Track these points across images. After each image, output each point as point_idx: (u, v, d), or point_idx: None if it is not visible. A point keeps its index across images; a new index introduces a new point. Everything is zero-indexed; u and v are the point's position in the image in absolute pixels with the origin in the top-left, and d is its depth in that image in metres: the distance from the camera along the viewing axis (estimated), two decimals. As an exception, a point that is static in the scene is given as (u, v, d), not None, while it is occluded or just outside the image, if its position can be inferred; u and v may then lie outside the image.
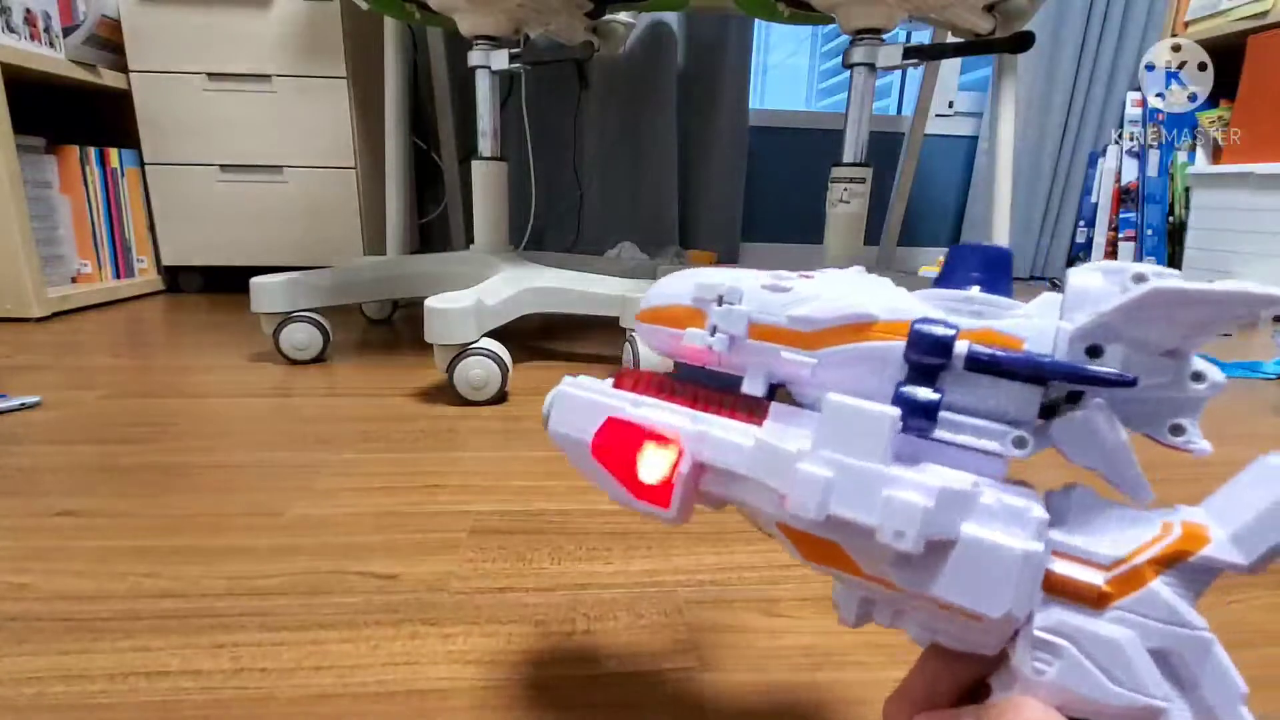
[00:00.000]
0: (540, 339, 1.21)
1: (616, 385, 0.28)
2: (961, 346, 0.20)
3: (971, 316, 0.21)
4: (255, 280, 0.96)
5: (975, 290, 0.21)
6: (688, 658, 0.38)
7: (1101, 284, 0.19)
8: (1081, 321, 0.19)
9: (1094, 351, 0.19)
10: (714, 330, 0.25)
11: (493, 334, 0.85)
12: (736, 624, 0.41)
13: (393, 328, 1.28)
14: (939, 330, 0.20)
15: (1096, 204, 2.02)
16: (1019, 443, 0.20)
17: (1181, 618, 0.17)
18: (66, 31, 1.30)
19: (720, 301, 0.25)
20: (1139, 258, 1.99)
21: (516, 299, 0.93)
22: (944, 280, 0.22)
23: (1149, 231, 1.96)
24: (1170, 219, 1.97)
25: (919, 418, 0.20)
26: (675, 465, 0.24)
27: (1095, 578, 0.18)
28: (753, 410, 0.25)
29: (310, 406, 0.80)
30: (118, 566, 0.46)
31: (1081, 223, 2.07)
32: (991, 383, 0.20)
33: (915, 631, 0.21)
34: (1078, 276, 0.20)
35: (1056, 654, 0.18)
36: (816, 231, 2.06)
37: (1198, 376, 0.18)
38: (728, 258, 1.95)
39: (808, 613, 0.42)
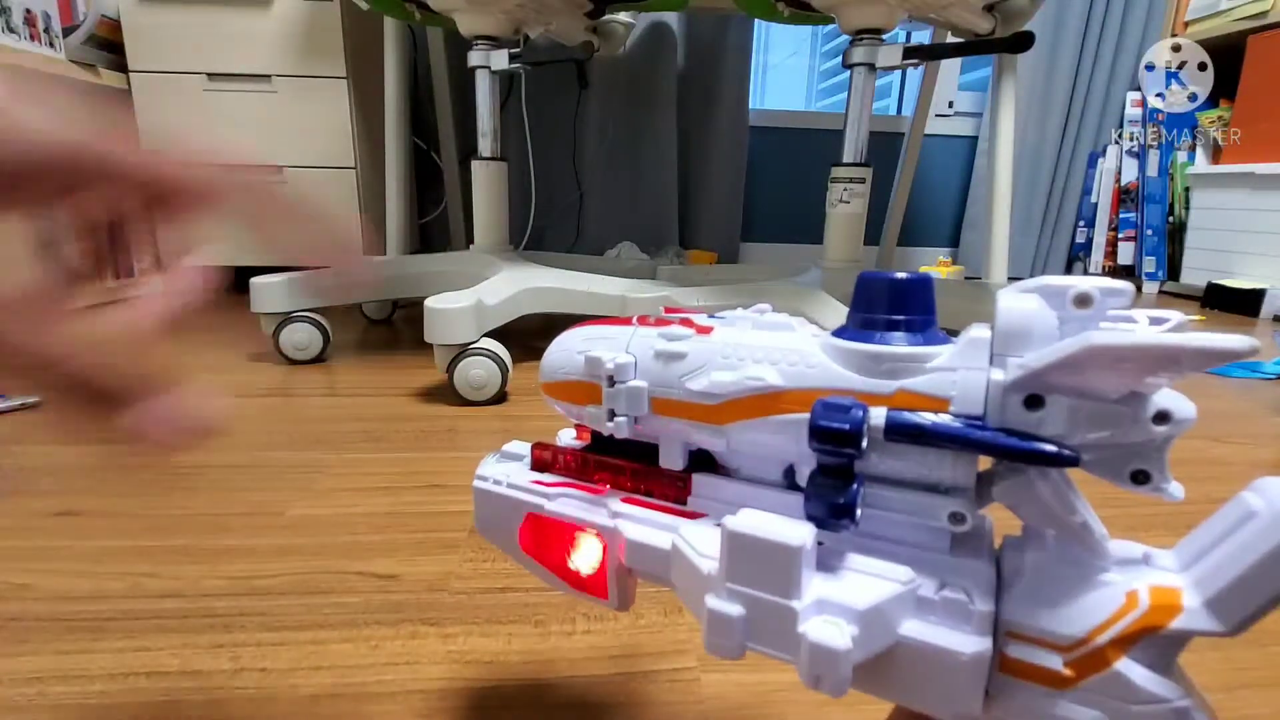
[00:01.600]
0: (540, 339, 1.20)
1: (536, 462, 0.27)
2: (878, 417, 0.18)
3: (885, 376, 0.18)
4: (255, 280, 0.96)
5: (897, 337, 0.19)
6: (688, 658, 0.38)
7: (1039, 310, 0.16)
8: (1015, 374, 0.16)
9: (1034, 402, 0.16)
10: (611, 414, 0.23)
11: (493, 334, 0.85)
12: (737, 624, 0.41)
13: (393, 328, 1.28)
14: (840, 422, 0.17)
15: (1096, 204, 2.02)
16: (956, 519, 0.18)
17: (1152, 695, 0.16)
18: (66, 31, 1.30)
19: (611, 381, 0.22)
20: (1139, 258, 1.99)
21: (516, 299, 0.93)
22: (854, 318, 0.20)
23: (1149, 231, 1.96)
24: (1170, 219, 1.97)
25: (838, 518, 0.18)
26: (605, 555, 0.23)
27: (1053, 661, 0.16)
28: (676, 482, 0.23)
29: (310, 406, 0.80)
30: (118, 566, 0.46)
31: (1081, 223, 2.07)
32: (920, 450, 0.18)
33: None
34: (1011, 302, 0.17)
35: None
36: (816, 231, 2.06)
37: (1161, 417, 0.16)
38: (728, 258, 1.95)
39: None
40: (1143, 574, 0.17)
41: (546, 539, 0.25)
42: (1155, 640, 0.16)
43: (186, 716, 0.33)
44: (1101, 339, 0.14)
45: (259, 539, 0.50)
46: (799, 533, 0.17)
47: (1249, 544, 0.15)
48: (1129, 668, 0.16)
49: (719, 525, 0.19)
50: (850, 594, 0.17)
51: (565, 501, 0.24)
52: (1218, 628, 0.15)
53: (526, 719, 0.33)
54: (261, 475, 0.60)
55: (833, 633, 0.16)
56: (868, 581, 0.18)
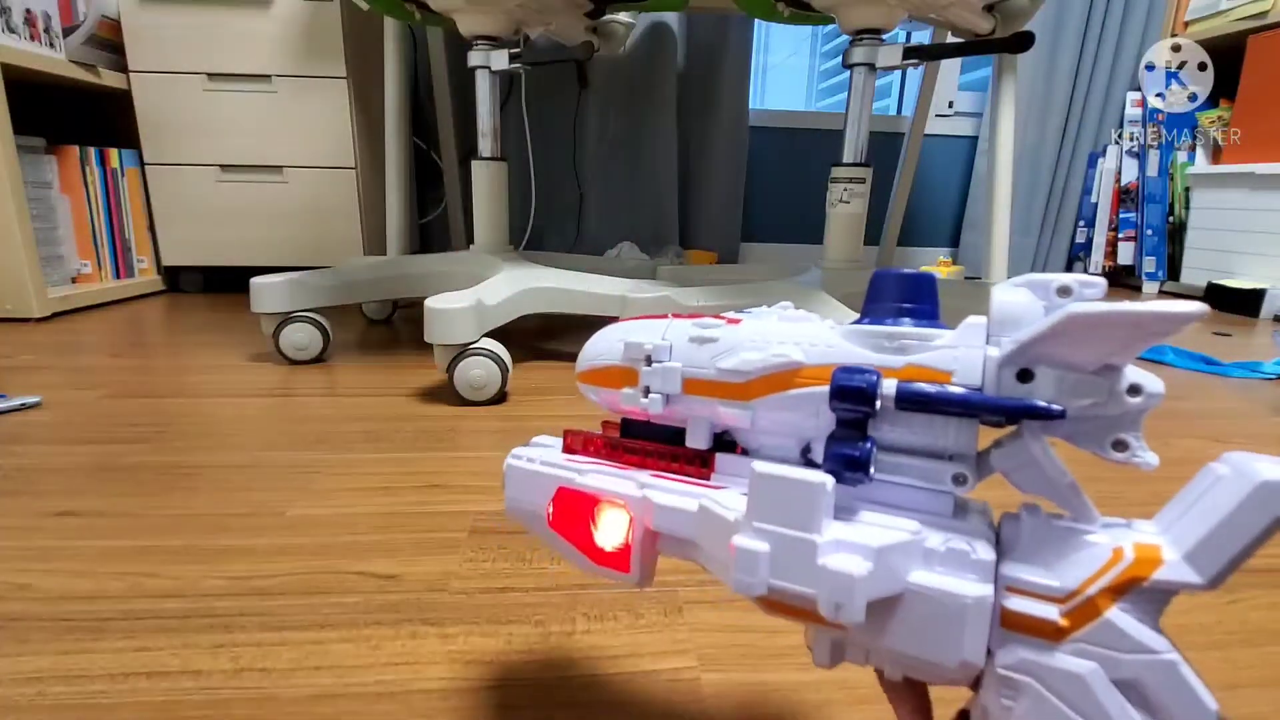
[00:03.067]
0: (540, 339, 1.21)
1: (566, 446, 0.28)
2: (889, 387, 0.20)
3: (895, 353, 0.21)
4: (255, 280, 0.96)
5: (905, 322, 0.21)
6: (688, 658, 0.38)
7: (1027, 300, 0.19)
8: (1007, 348, 0.19)
9: (1025, 375, 0.19)
10: (647, 391, 0.25)
11: (493, 334, 0.85)
12: (736, 624, 0.41)
13: (393, 328, 1.28)
14: (858, 381, 0.20)
15: (1096, 204, 2.02)
16: (959, 480, 0.20)
17: (1142, 644, 0.17)
18: (66, 31, 1.30)
19: (649, 361, 0.25)
20: (1139, 258, 1.99)
21: (516, 299, 0.93)
22: (868, 309, 0.22)
23: (1149, 231, 1.96)
24: (1170, 219, 1.97)
25: (853, 471, 0.20)
26: (630, 530, 0.24)
27: (1050, 612, 0.18)
28: (702, 462, 0.25)
29: (310, 406, 0.80)
30: (118, 566, 0.46)
31: (1081, 223, 2.07)
32: (926, 419, 0.20)
33: (889, 668, 0.21)
34: (1002, 294, 0.19)
35: (1020, 691, 0.18)
36: (816, 231, 2.06)
37: (1134, 390, 0.18)
38: (728, 258, 1.95)
39: (808, 613, 0.42)
40: (1127, 534, 0.18)
41: (574, 514, 0.26)
42: (1141, 593, 0.17)
43: (186, 716, 0.33)
44: (1080, 308, 0.16)
45: (259, 539, 0.50)
46: (820, 475, 0.19)
47: (1217, 503, 0.17)
48: (1119, 617, 0.17)
49: (742, 493, 0.21)
50: (865, 536, 0.19)
51: (596, 475, 0.26)
52: (1196, 579, 0.17)
53: (526, 719, 0.33)
54: (261, 475, 0.60)
55: (851, 562, 0.18)
56: (880, 529, 0.19)
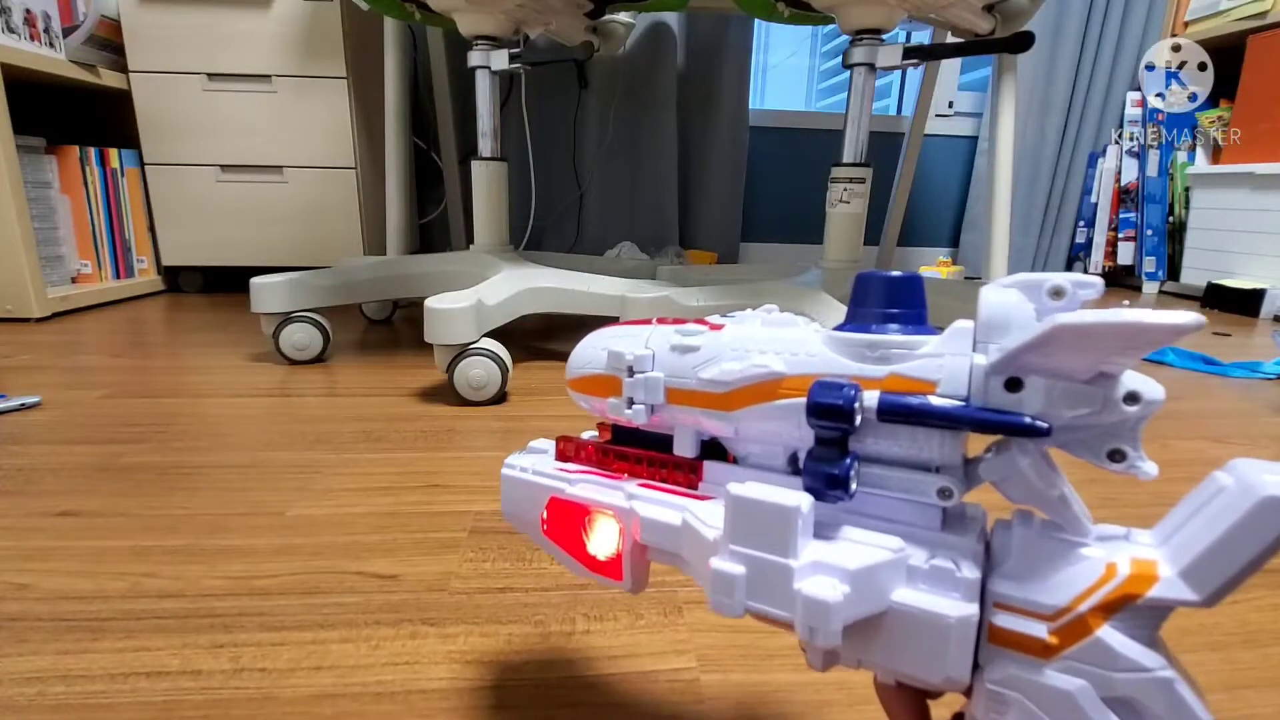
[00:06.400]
0: (540, 339, 1.21)
1: (560, 453, 0.28)
2: (871, 399, 0.19)
3: (878, 362, 0.20)
4: (255, 280, 0.96)
5: (891, 329, 0.20)
6: (688, 658, 0.38)
7: (1018, 302, 0.18)
8: (995, 356, 0.18)
9: (1013, 385, 0.18)
10: (630, 402, 0.25)
11: (493, 334, 0.85)
12: (736, 624, 0.41)
13: (393, 328, 1.28)
14: (834, 398, 0.19)
15: (1096, 204, 2.02)
16: (944, 494, 0.19)
17: (1135, 663, 0.16)
18: (66, 32, 1.30)
19: (630, 372, 0.25)
20: (1139, 258, 1.99)
21: (516, 299, 0.93)
22: (853, 313, 0.21)
23: (1149, 231, 1.96)
24: (1170, 219, 1.97)
25: (833, 489, 0.19)
26: (621, 539, 0.25)
27: (1038, 629, 0.17)
28: (691, 469, 0.25)
29: (310, 406, 0.80)
30: (117, 566, 0.46)
31: (1081, 223, 2.07)
32: (910, 430, 0.19)
33: (881, 673, 0.21)
34: (992, 295, 0.18)
35: (1009, 706, 0.18)
36: (816, 231, 2.06)
37: (1131, 398, 0.17)
38: (728, 258, 1.95)
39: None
40: (1123, 548, 0.18)
41: (567, 523, 0.26)
42: (1135, 610, 0.17)
43: (186, 716, 0.33)
44: (1068, 318, 0.15)
45: (259, 539, 0.50)
46: (797, 497, 0.19)
47: (1218, 517, 0.16)
48: (1110, 635, 0.17)
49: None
50: (843, 557, 0.18)
51: (586, 486, 0.26)
52: (1192, 596, 0.16)
53: (526, 719, 0.33)
54: (261, 475, 0.60)
55: (826, 588, 0.18)
56: (860, 549, 0.19)
